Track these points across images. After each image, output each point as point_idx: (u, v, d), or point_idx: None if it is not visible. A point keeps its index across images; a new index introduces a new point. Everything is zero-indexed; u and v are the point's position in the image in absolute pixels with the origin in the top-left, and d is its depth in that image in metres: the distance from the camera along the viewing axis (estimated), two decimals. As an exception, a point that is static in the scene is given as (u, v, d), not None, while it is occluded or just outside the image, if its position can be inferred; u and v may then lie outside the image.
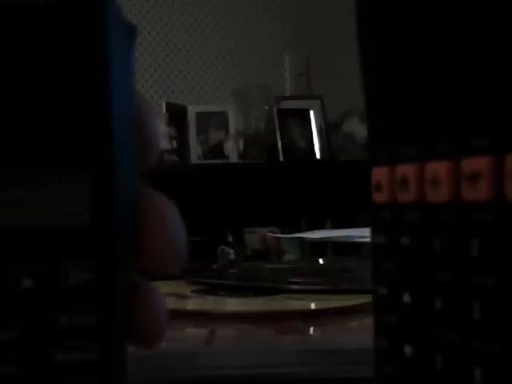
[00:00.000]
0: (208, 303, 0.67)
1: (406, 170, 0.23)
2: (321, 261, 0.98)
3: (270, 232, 1.91)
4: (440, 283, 0.22)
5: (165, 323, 0.24)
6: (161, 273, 0.24)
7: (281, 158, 2.22)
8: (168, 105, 2.21)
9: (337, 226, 1.62)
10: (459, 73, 0.21)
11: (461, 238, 0.21)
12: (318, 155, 2.28)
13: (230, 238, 1.96)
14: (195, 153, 2.26)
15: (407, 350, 0.23)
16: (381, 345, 0.25)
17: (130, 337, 0.23)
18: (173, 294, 0.65)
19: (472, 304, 0.20)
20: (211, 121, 2.27)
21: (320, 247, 1.64)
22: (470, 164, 0.20)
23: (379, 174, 0.24)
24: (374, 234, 0.25)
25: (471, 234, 0.20)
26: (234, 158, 2.25)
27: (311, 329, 0.57)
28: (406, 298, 0.23)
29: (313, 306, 0.64)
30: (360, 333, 0.53)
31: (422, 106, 0.23)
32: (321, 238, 1.20)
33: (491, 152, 0.20)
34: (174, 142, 2.18)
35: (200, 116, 2.27)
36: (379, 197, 0.24)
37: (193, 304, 0.67)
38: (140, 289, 0.24)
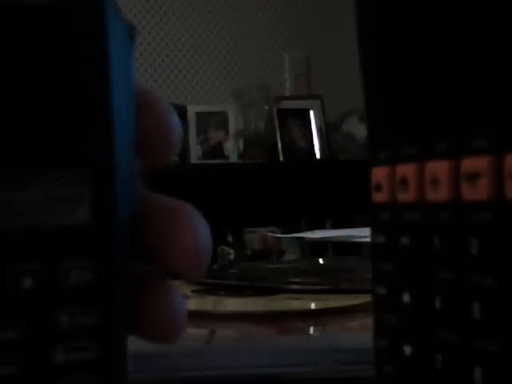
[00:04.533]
0: (208, 303, 0.67)
1: (406, 169, 0.23)
2: (321, 261, 0.98)
3: (270, 232, 1.91)
4: (440, 283, 0.22)
5: (184, 318, 0.25)
6: (185, 276, 0.25)
7: (281, 158, 2.22)
8: (168, 105, 2.20)
9: (337, 226, 1.62)
10: (459, 72, 0.21)
11: (460, 238, 0.21)
12: (317, 155, 2.28)
13: (230, 238, 1.96)
14: (195, 153, 2.26)
15: (407, 349, 0.23)
16: (381, 345, 0.25)
17: (150, 332, 0.24)
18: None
19: (471, 304, 0.20)
20: (211, 121, 2.27)
21: (320, 247, 1.64)
22: (470, 164, 0.20)
23: (379, 174, 0.24)
24: (373, 233, 0.25)
25: (471, 234, 0.20)
26: (233, 157, 2.25)
27: (311, 329, 0.57)
28: (406, 297, 0.23)
29: (313, 305, 0.64)
30: (360, 333, 0.53)
31: (422, 106, 0.23)
32: (321, 238, 1.20)
33: (491, 152, 0.20)
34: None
35: (200, 116, 2.27)
36: (379, 197, 0.24)
37: (193, 304, 0.67)
38: (163, 285, 0.25)
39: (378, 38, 0.24)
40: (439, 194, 0.21)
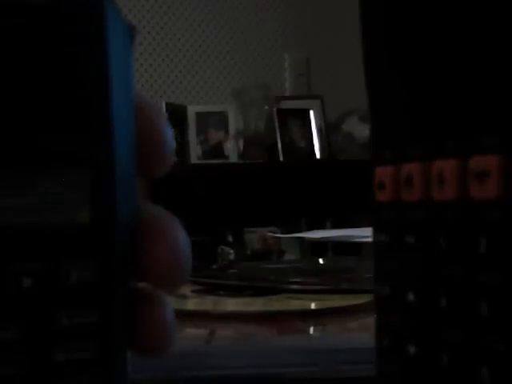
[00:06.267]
0: (208, 303, 0.67)
1: (412, 168, 0.23)
2: (321, 261, 0.98)
3: (270, 232, 1.91)
4: (447, 281, 0.22)
5: (171, 335, 0.24)
6: (164, 290, 0.24)
7: (281, 158, 2.22)
8: (168, 105, 2.21)
9: (337, 225, 1.62)
10: (468, 71, 0.21)
11: (468, 236, 0.21)
12: (317, 155, 2.28)
13: (230, 238, 1.96)
14: (195, 153, 2.26)
15: (410, 349, 0.23)
16: (383, 344, 0.24)
17: (135, 345, 0.23)
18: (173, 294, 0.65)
19: (479, 302, 0.20)
20: (211, 121, 2.27)
21: (320, 247, 1.64)
22: (479, 162, 0.20)
23: (383, 173, 0.24)
24: (376, 233, 0.25)
25: (479, 232, 0.20)
26: (233, 158, 2.24)
27: (311, 329, 0.57)
28: (410, 296, 0.23)
29: (313, 305, 0.64)
30: (360, 333, 0.53)
31: (429, 105, 0.22)
32: (321, 238, 1.20)
33: (499, 150, 0.20)
34: (174, 142, 2.17)
35: (200, 116, 2.27)
36: (382, 196, 0.24)
37: (193, 304, 0.67)
38: (150, 300, 0.24)
39: (382, 34, 0.24)
40: (446, 192, 0.21)
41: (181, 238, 0.24)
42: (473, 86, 0.21)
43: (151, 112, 0.24)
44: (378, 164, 0.24)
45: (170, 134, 0.25)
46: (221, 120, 2.28)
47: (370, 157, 0.25)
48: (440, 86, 0.22)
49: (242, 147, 2.24)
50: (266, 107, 2.26)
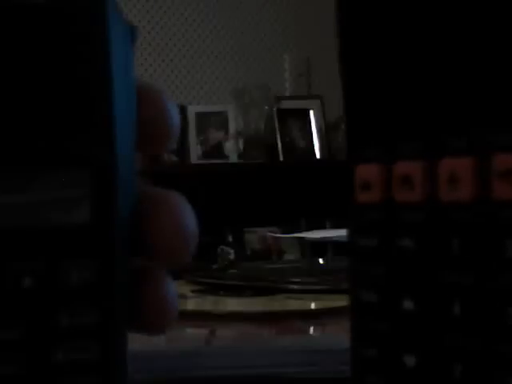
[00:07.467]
0: (208, 303, 0.67)
1: (412, 166, 0.21)
2: (321, 261, 0.98)
3: (270, 232, 1.91)
4: (457, 287, 0.20)
5: (176, 308, 0.25)
6: (171, 262, 0.25)
7: (281, 158, 2.22)
8: (168, 105, 2.20)
9: (337, 226, 1.62)
10: (467, 65, 0.20)
11: (488, 239, 0.19)
12: (317, 155, 2.28)
13: (230, 238, 1.96)
14: (195, 153, 2.26)
15: (409, 360, 0.21)
16: (368, 355, 0.23)
17: (140, 323, 0.24)
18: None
19: (497, 307, 0.19)
20: (211, 121, 2.27)
21: (320, 247, 1.64)
22: (502, 160, 0.19)
23: (367, 171, 0.23)
24: (359, 235, 0.23)
25: (502, 234, 0.19)
26: (233, 158, 2.25)
27: (311, 329, 0.57)
28: (408, 304, 0.21)
29: (313, 305, 0.64)
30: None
31: (426, 98, 0.21)
32: (321, 238, 1.20)
33: None
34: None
35: (200, 116, 2.27)
36: (367, 196, 0.23)
37: (193, 304, 0.67)
38: (153, 274, 0.24)
39: (368, 25, 0.23)
40: (459, 192, 0.20)
41: (186, 211, 0.24)
42: (468, 84, 0.20)
43: (154, 92, 0.25)
44: (360, 162, 0.23)
45: (173, 109, 0.25)
46: (221, 120, 2.28)
47: (347, 155, 0.23)
48: (443, 71, 0.21)
49: (242, 147, 2.24)
50: (266, 107, 2.26)
